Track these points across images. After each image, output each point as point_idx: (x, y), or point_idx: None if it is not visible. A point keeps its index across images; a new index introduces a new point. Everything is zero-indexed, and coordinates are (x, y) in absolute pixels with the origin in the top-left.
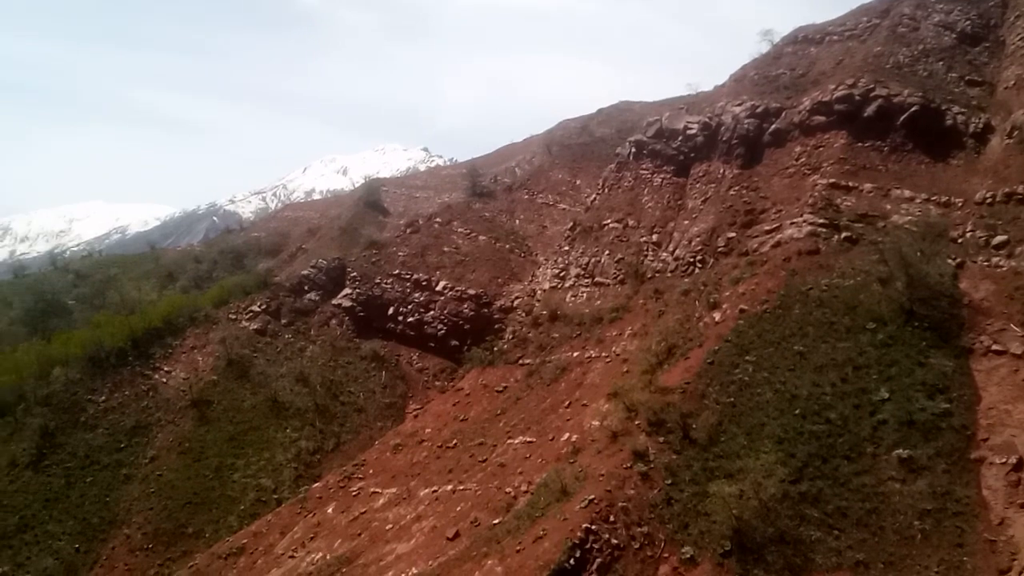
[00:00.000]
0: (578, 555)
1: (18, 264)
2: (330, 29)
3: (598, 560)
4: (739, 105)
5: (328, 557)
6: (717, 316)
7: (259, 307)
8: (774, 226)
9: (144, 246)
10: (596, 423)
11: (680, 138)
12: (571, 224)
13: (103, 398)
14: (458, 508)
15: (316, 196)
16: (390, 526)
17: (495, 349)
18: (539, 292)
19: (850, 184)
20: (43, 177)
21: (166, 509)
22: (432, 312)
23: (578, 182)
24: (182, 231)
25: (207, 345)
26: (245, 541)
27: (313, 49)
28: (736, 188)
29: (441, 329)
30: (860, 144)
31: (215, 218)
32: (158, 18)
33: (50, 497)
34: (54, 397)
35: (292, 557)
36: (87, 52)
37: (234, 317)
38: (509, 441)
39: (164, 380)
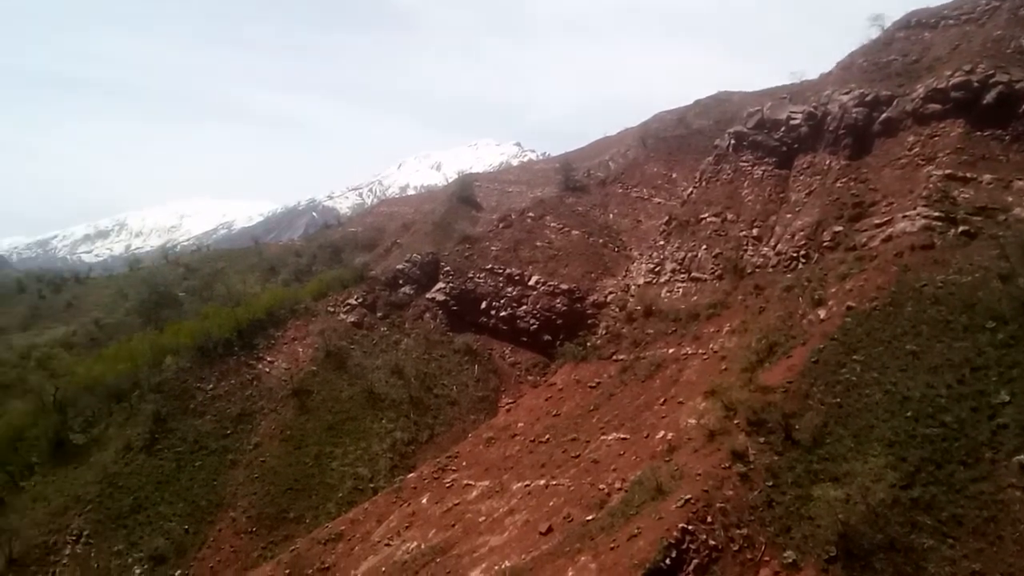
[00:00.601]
0: (674, 555)
1: (133, 258)
2: (425, 26)
3: (695, 561)
4: (847, 93)
5: (423, 546)
6: (822, 313)
7: (356, 300)
8: (885, 219)
9: (248, 241)
10: (693, 421)
11: (783, 129)
12: (666, 218)
13: (211, 386)
14: (551, 503)
15: (410, 192)
16: (483, 518)
17: (588, 344)
18: (633, 287)
19: (968, 175)
20: (156, 175)
21: (269, 494)
22: (524, 307)
23: (674, 175)
24: (283, 226)
25: (307, 337)
26: (343, 528)
27: (408, 47)
28: (843, 180)
29: (533, 324)
30: (979, 133)
31: (314, 213)
32: (261, 21)
33: (162, 480)
34: (166, 384)
35: (388, 545)
36: (196, 54)
37: (332, 310)
38: (602, 437)
39: (267, 370)
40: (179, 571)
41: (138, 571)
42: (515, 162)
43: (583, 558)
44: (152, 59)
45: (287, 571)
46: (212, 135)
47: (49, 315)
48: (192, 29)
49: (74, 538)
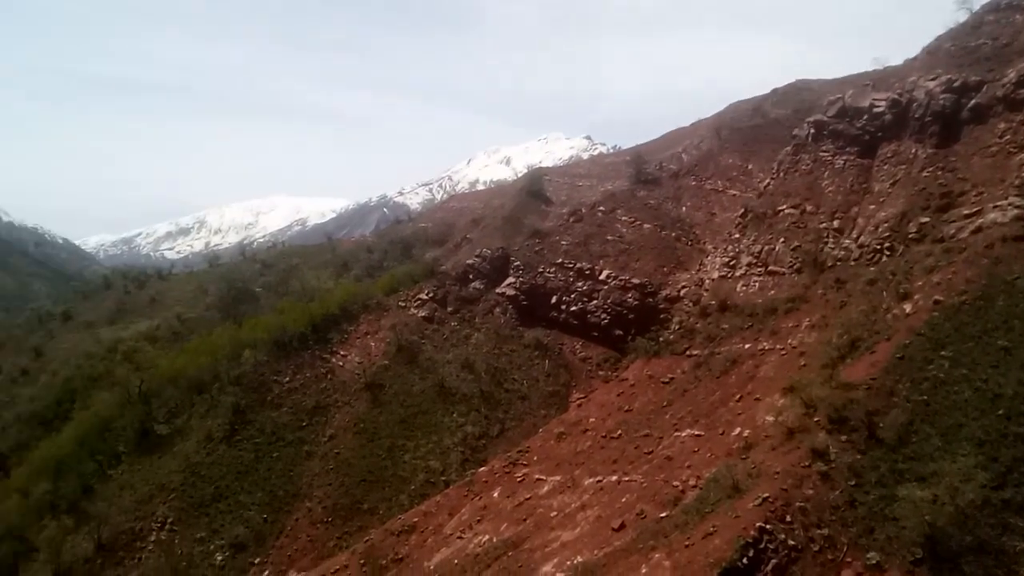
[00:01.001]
0: (751, 554)
1: (212, 254)
2: (493, 22)
3: (773, 561)
4: (933, 79)
5: (495, 540)
6: (908, 307)
7: (427, 295)
8: (974, 210)
9: (322, 237)
10: (770, 418)
11: (865, 117)
12: (742, 211)
13: (287, 379)
14: (623, 499)
15: (480, 187)
16: (555, 513)
17: (661, 339)
18: (707, 281)
19: None
20: (233, 174)
21: (343, 485)
22: (595, 301)
23: (750, 167)
24: (355, 222)
25: (379, 331)
26: (416, 520)
27: (477, 43)
28: (930, 169)
29: (604, 318)
30: None
31: (385, 209)
32: (332, 22)
33: (241, 470)
34: (244, 377)
35: (460, 538)
36: (269, 56)
37: (403, 305)
38: (676, 434)
39: (341, 364)
40: (258, 559)
41: (219, 558)
42: (585, 156)
43: (657, 555)
44: (228, 62)
45: (362, 561)
46: (287, 134)
47: (134, 310)
48: (264, 31)
49: (159, 525)
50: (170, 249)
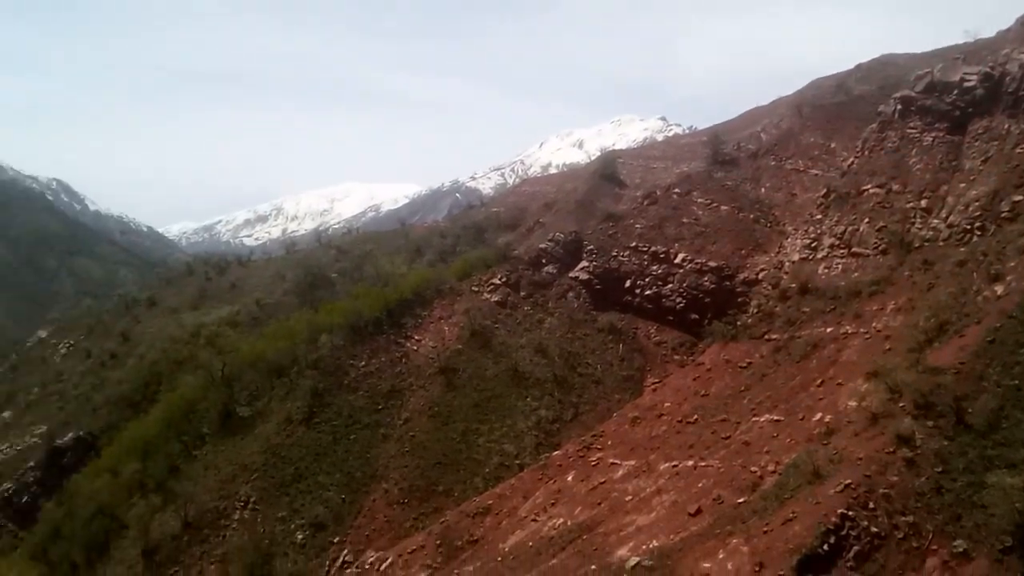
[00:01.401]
0: (832, 541)
1: (289, 241)
2: (567, 3)
3: (855, 548)
4: None
5: (569, 523)
6: (999, 289)
7: (499, 280)
8: None
9: (395, 223)
10: (853, 403)
11: (955, 92)
12: (824, 191)
13: (363, 363)
14: (700, 484)
15: (552, 171)
16: (629, 497)
17: (738, 323)
18: (787, 264)
19: None
20: (308, 161)
21: (419, 468)
22: (670, 285)
23: (832, 145)
24: (428, 208)
25: (452, 316)
26: (491, 502)
27: (548, 25)
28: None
29: (680, 302)
30: None
31: (458, 195)
32: (404, 7)
33: (319, 451)
34: (321, 361)
35: (535, 521)
36: (340, 44)
37: (476, 289)
38: (754, 419)
39: (415, 348)
40: (337, 538)
41: (300, 537)
42: (660, 137)
43: (734, 541)
44: (304, 50)
45: (438, 542)
46: (360, 121)
47: (215, 296)
48: (339, 18)
49: (242, 504)
50: (249, 236)
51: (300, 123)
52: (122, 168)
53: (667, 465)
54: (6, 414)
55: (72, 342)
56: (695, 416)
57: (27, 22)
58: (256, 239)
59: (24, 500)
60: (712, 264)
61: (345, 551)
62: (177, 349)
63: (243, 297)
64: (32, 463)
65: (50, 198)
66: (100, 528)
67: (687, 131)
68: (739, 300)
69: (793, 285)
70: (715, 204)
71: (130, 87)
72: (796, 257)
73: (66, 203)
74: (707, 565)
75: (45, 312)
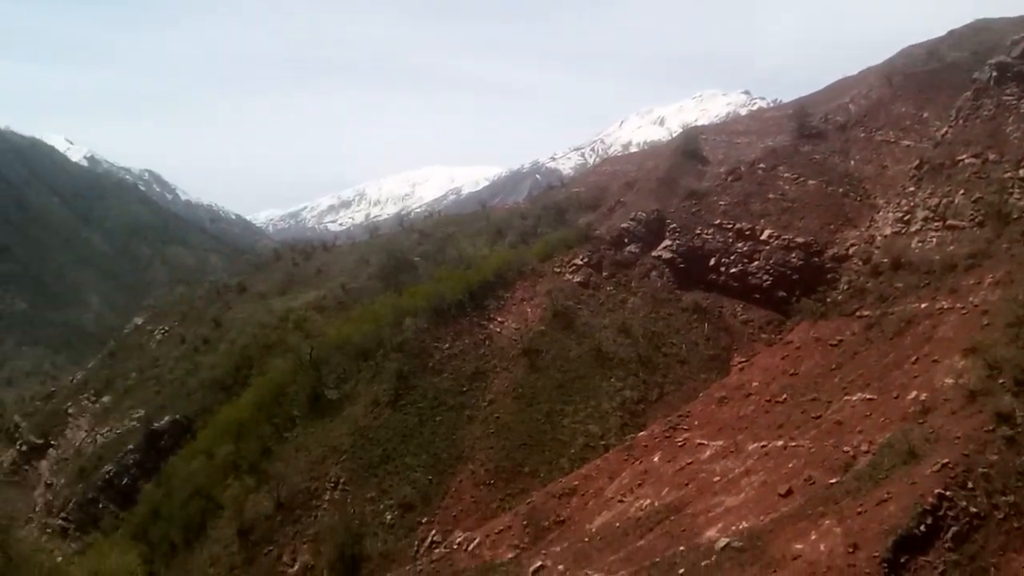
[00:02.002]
0: (929, 522)
1: (372, 226)
2: None
3: (953, 529)
4: None
5: (656, 504)
6: None
7: (581, 260)
8: None
9: (476, 205)
10: (949, 381)
11: None
12: (917, 162)
13: (446, 346)
14: (790, 464)
15: (633, 149)
16: (717, 478)
17: (828, 300)
18: (879, 238)
19: None
20: (390, 146)
21: (504, 449)
22: (756, 262)
23: (925, 115)
24: (508, 189)
25: (534, 297)
26: (576, 483)
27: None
28: None
29: (767, 280)
30: None
31: (538, 176)
32: None
33: (406, 433)
34: (406, 344)
35: (621, 501)
36: (421, 27)
37: (558, 270)
38: (846, 398)
39: (498, 330)
40: (425, 518)
41: (389, 517)
42: (743, 112)
43: (827, 522)
44: (380, 35)
45: (524, 522)
46: (439, 104)
47: (302, 281)
48: (413, 3)
49: (332, 485)
50: (333, 222)
51: (382, 108)
52: (210, 157)
53: (756, 445)
54: (106, 399)
55: (167, 328)
56: (784, 395)
57: (115, 15)
58: (340, 224)
59: (124, 482)
60: (800, 240)
61: (433, 531)
62: (266, 334)
63: (329, 282)
64: (131, 446)
65: (143, 189)
66: (197, 509)
67: (772, 104)
68: (828, 276)
69: (885, 260)
70: (802, 178)
71: (215, 76)
72: (888, 231)
73: (158, 193)
74: (799, 546)
75: (141, 300)
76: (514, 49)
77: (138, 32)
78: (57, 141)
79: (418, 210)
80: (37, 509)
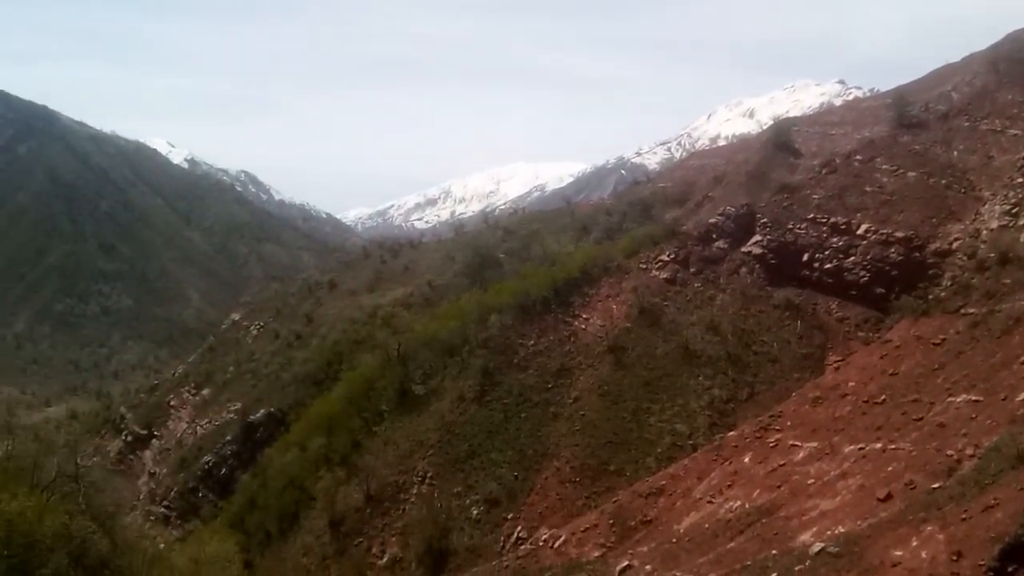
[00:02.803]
0: None
1: (457, 223)
2: None
3: None
4: None
5: (747, 506)
6: None
7: (668, 256)
8: None
9: (560, 201)
10: None
11: None
12: None
13: (531, 342)
14: (889, 468)
15: (721, 142)
16: (812, 481)
17: (930, 297)
18: (985, 232)
19: None
20: (475, 144)
21: (589, 446)
22: (853, 258)
23: None
24: (593, 185)
25: (620, 294)
26: (664, 483)
27: None
28: None
29: (863, 276)
30: None
31: (623, 171)
32: None
33: (491, 429)
34: (491, 341)
35: (710, 502)
36: (504, 23)
37: (644, 267)
38: (949, 399)
39: (583, 327)
40: (511, 514)
41: (475, 512)
42: (838, 102)
43: (929, 528)
44: (464, 33)
45: (611, 521)
46: (523, 101)
47: (389, 278)
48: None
49: (419, 479)
50: (419, 219)
51: (467, 106)
52: (301, 157)
53: (853, 448)
54: (205, 391)
55: (262, 324)
56: (883, 396)
57: (209, 21)
58: (426, 222)
59: (222, 472)
60: (899, 234)
61: (519, 527)
62: (356, 329)
63: (415, 279)
64: (229, 437)
65: (239, 189)
66: (291, 499)
67: (868, 94)
68: (930, 272)
69: (992, 255)
70: (901, 170)
71: (305, 77)
72: (995, 224)
73: (253, 194)
74: (899, 553)
75: (238, 296)
76: (599, 41)
77: (232, 36)
78: (159, 144)
79: (502, 207)
80: (141, 497)
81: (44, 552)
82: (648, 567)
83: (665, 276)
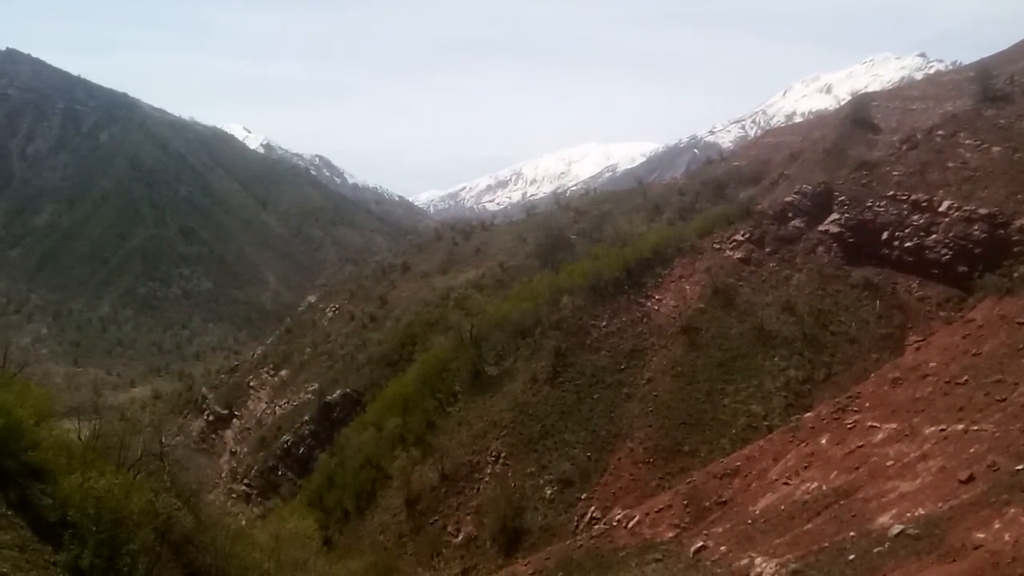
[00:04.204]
0: None
1: (529, 204)
2: None
3: None
4: None
5: (824, 488)
6: None
7: (742, 236)
8: None
9: (632, 182)
10: None
11: None
12: None
13: (603, 323)
14: (971, 450)
15: (797, 119)
16: (891, 462)
17: (1015, 275)
18: None
19: None
20: (545, 125)
21: (663, 427)
22: (934, 236)
23: None
24: (665, 165)
25: (693, 274)
26: (738, 464)
27: None
28: None
29: (945, 254)
30: None
31: (696, 150)
32: None
33: (564, 410)
34: (563, 322)
35: (786, 484)
36: (575, 3)
37: (718, 247)
38: None
39: (655, 307)
40: (584, 494)
41: (548, 492)
42: (919, 76)
43: (1012, 510)
44: (533, 13)
45: (685, 502)
46: (592, 81)
47: (461, 260)
48: None
49: (493, 459)
50: (491, 201)
51: (538, 87)
52: (374, 140)
53: (933, 429)
54: (283, 372)
55: (337, 306)
56: (965, 377)
57: (284, 7)
58: (497, 204)
59: (301, 451)
60: (983, 211)
61: (592, 507)
62: (429, 311)
63: (487, 260)
64: (307, 417)
65: (314, 173)
66: (367, 478)
67: (950, 67)
68: (1015, 250)
69: None
70: (985, 145)
71: (377, 60)
72: None
73: (327, 177)
74: (981, 535)
75: (313, 279)
76: (671, 18)
77: (308, 21)
78: (236, 130)
79: (574, 188)
80: (223, 475)
81: (131, 528)
82: (723, 548)
83: (739, 256)
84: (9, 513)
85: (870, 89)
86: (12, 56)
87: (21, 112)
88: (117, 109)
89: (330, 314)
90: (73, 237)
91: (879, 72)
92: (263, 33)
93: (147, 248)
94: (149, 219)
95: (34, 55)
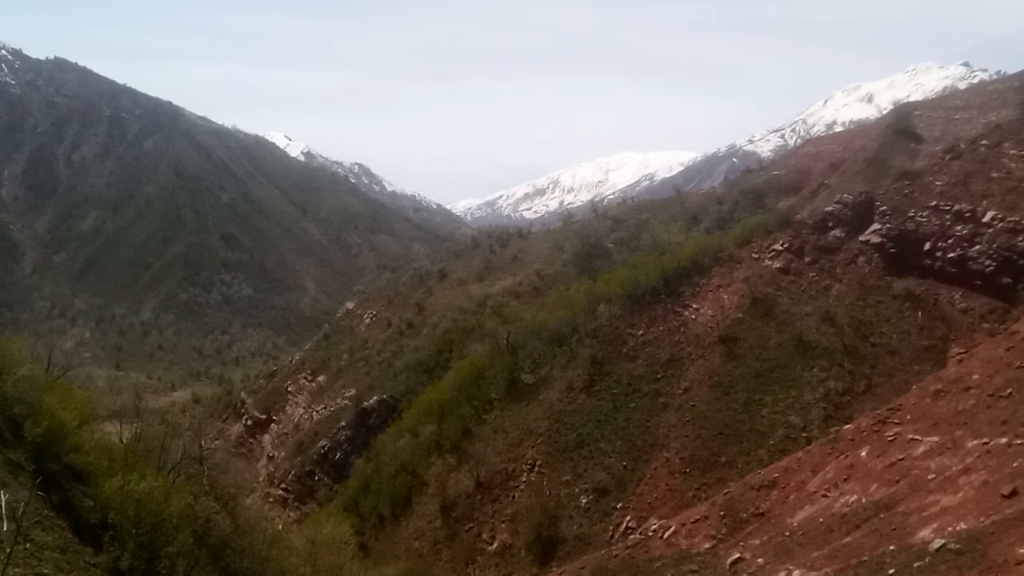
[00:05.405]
0: None
1: (566, 212)
2: None
3: None
4: None
5: (864, 500)
6: None
7: (781, 246)
8: None
9: (670, 191)
10: None
11: None
12: None
13: (640, 332)
14: (1015, 464)
15: (837, 128)
16: (932, 476)
17: None
18: None
19: None
20: (582, 133)
21: (700, 438)
22: (978, 246)
23: None
24: (703, 174)
25: (731, 284)
26: (776, 475)
27: None
28: None
29: (989, 265)
30: None
31: (734, 159)
32: None
33: (600, 419)
34: (600, 330)
35: (825, 496)
36: (613, 11)
37: (756, 256)
38: None
39: (693, 317)
40: (620, 504)
41: (584, 501)
42: (962, 85)
43: None
44: (572, 21)
45: (722, 513)
46: (630, 89)
47: (499, 267)
48: None
49: (528, 467)
50: (528, 209)
51: (576, 95)
52: (412, 148)
53: (976, 442)
54: (321, 378)
55: (375, 312)
56: (1009, 390)
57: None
58: (535, 212)
59: (337, 456)
60: None
61: (628, 517)
62: (466, 318)
63: (524, 268)
64: (344, 423)
65: (353, 181)
66: (403, 484)
67: (995, 76)
68: None
69: None
70: None
71: (416, 69)
72: None
73: (366, 185)
74: (1023, 551)
75: (351, 285)
76: (710, 27)
77: (349, 32)
78: (277, 138)
79: (611, 197)
80: (261, 479)
81: (170, 531)
82: (760, 560)
83: (778, 265)
84: (52, 515)
85: (912, 98)
86: (60, 64)
87: (68, 119)
88: (162, 117)
89: (368, 320)
90: (117, 243)
91: (921, 81)
92: (306, 42)
93: (189, 254)
94: (191, 226)
95: (81, 64)
